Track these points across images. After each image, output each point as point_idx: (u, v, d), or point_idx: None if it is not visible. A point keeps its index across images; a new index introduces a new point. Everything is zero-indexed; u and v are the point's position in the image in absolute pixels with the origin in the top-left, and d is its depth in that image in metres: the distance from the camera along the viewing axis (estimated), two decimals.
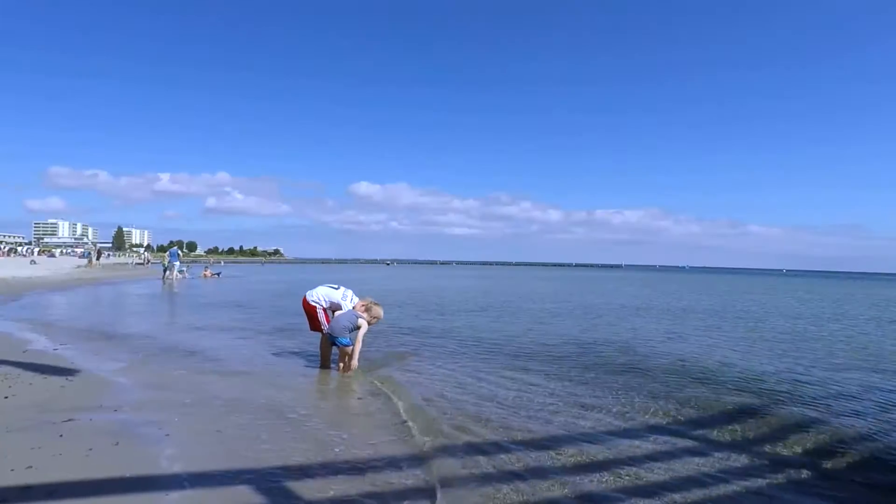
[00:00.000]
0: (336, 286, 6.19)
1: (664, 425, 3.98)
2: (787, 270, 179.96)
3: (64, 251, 73.69)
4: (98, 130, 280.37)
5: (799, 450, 3.57)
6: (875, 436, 3.87)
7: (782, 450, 3.57)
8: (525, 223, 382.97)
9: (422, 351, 6.89)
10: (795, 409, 4.52)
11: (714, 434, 3.83)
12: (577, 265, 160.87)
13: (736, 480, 2.97)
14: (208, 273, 29.25)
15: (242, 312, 11.39)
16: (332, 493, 2.59)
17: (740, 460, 3.31)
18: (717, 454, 3.38)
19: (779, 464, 3.28)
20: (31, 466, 2.70)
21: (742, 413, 4.36)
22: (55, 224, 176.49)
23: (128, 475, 2.65)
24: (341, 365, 5.65)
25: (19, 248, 63.31)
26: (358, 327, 5.59)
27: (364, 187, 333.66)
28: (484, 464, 3.06)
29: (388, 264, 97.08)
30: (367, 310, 5.77)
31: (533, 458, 3.18)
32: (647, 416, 4.20)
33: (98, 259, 42.33)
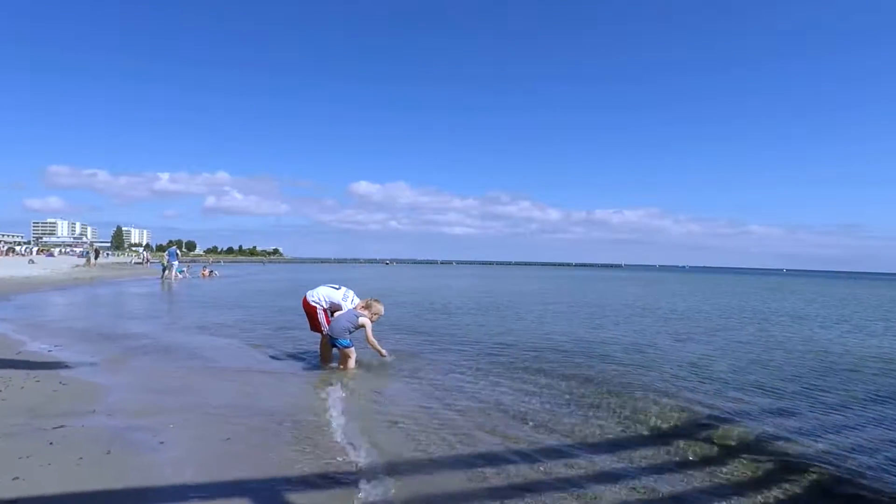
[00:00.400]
0: (337, 286, 6.08)
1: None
2: (786, 270, 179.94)
3: (63, 250, 73.43)
4: (97, 129, 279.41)
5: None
6: None
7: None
8: (524, 222, 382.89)
9: (425, 352, 6.77)
10: None
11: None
12: (576, 265, 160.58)
13: (749, 492, 2.85)
14: (206, 272, 29.12)
15: (241, 312, 11.27)
16: None
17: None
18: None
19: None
20: (17, 477, 2.58)
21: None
22: (54, 223, 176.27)
23: (118, 487, 2.54)
24: (342, 366, 5.54)
25: (17, 248, 63.06)
26: (359, 326, 5.48)
27: (363, 187, 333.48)
28: (491, 476, 2.95)
29: (386, 264, 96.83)
30: (368, 307, 5.67)
31: (543, 467, 3.07)
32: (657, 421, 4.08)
33: (96, 258, 42.18)
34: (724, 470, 3.13)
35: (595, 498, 2.69)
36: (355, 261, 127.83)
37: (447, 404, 4.37)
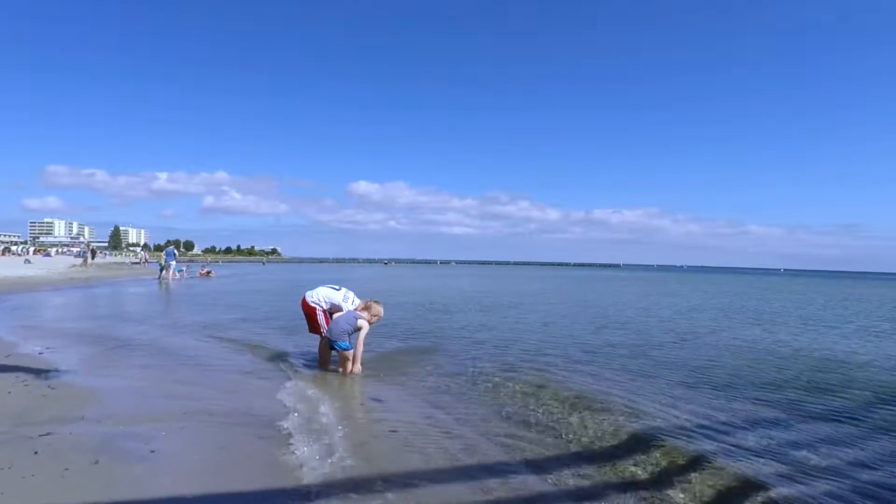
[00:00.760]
0: (337, 287, 5.95)
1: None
2: (784, 270, 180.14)
3: (60, 250, 73.10)
4: (96, 129, 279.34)
5: None
6: None
7: None
8: (523, 222, 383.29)
9: (426, 354, 6.64)
10: None
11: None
12: (575, 265, 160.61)
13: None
14: (204, 272, 28.96)
15: (238, 313, 11.13)
16: None
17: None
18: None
19: None
20: None
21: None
22: (51, 223, 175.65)
23: (104, 501, 2.40)
24: (341, 370, 5.41)
25: (14, 248, 62.68)
26: (358, 328, 5.35)
27: (362, 186, 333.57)
28: (495, 487, 2.82)
29: (385, 263, 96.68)
30: (367, 308, 5.54)
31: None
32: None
33: (93, 258, 41.97)
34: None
35: None
36: (354, 261, 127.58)
37: (449, 411, 4.24)
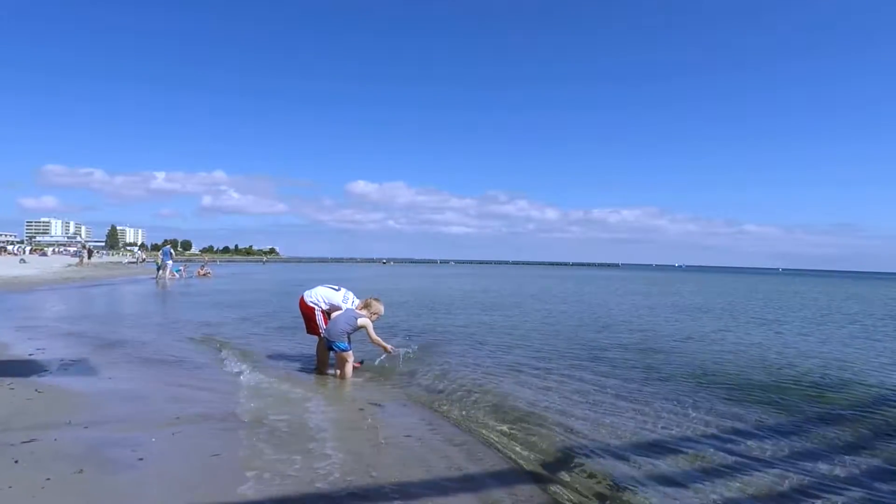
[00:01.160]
0: (336, 287, 5.78)
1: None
2: (783, 269, 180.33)
3: (56, 250, 72.69)
4: (94, 128, 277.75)
5: None
6: None
7: None
8: (522, 222, 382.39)
9: (428, 356, 6.48)
10: None
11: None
12: (574, 264, 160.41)
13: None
14: (202, 271, 28.76)
15: (236, 312, 10.95)
16: None
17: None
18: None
19: None
20: None
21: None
22: (48, 222, 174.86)
23: None
24: (339, 372, 5.24)
25: (10, 247, 62.28)
26: (359, 328, 5.17)
27: (361, 186, 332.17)
28: (501, 499, 2.66)
29: (384, 263, 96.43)
30: (367, 306, 5.38)
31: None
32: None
33: (90, 258, 41.71)
34: None
35: None
36: (352, 260, 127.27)
37: (452, 417, 4.08)
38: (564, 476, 2.92)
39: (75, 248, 67.53)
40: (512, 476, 2.92)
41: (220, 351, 6.55)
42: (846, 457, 3.41)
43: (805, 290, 27.70)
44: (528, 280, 34.85)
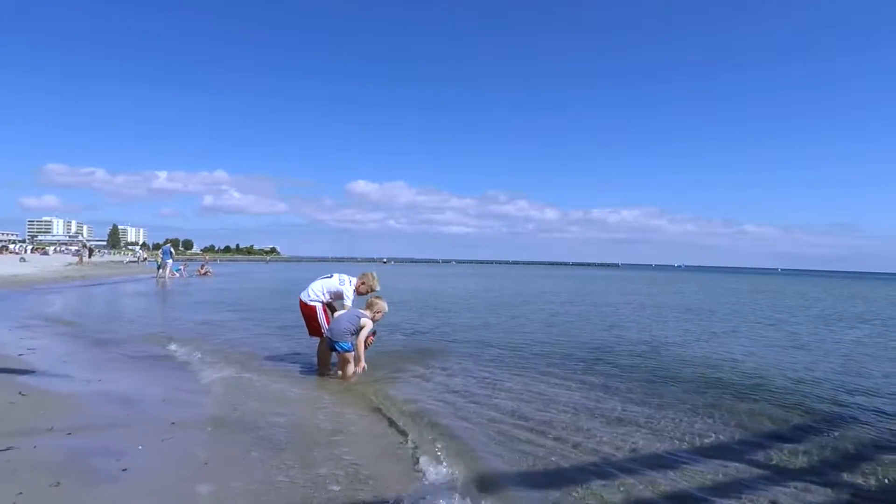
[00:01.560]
0: (329, 275, 5.62)
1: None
2: (782, 270, 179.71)
3: (57, 249, 72.54)
4: (95, 128, 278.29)
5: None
6: None
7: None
8: (521, 222, 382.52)
9: (431, 357, 6.26)
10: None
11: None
12: (573, 264, 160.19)
13: None
14: (202, 270, 28.58)
15: (235, 312, 10.74)
16: None
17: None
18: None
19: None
20: None
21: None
22: (49, 221, 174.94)
23: None
24: (340, 373, 5.03)
25: (11, 246, 62.12)
26: (361, 327, 4.95)
27: (361, 186, 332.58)
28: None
29: (384, 262, 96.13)
30: (370, 306, 5.18)
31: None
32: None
33: (90, 257, 41.57)
34: None
35: None
36: (353, 260, 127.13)
37: (454, 420, 3.87)
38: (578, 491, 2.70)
39: (76, 248, 67.39)
40: (519, 488, 2.70)
41: (217, 351, 6.33)
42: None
43: (807, 290, 27.43)
44: (529, 280, 34.63)
